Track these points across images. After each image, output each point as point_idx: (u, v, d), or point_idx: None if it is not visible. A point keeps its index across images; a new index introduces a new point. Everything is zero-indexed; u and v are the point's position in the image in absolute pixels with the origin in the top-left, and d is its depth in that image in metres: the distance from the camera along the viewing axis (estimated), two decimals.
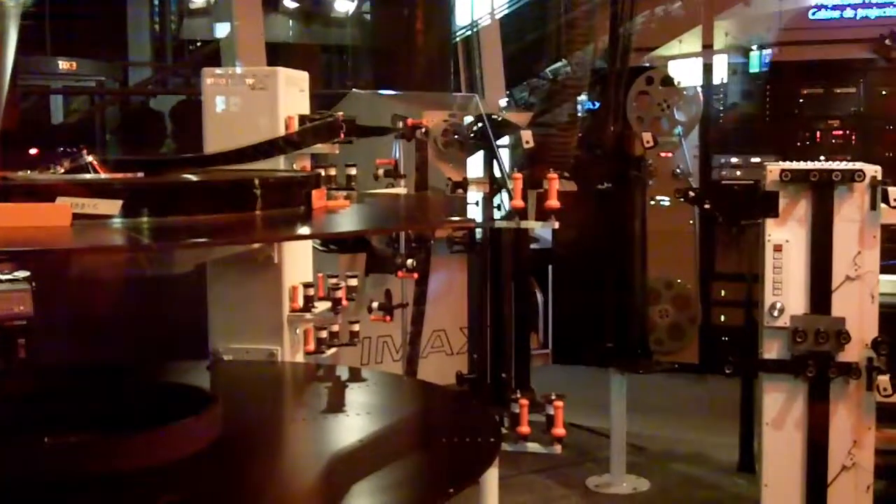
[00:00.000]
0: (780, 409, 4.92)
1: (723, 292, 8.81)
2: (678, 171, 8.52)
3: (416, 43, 7.72)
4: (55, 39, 15.11)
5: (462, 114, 6.25)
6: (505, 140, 6.91)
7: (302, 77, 4.13)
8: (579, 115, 8.43)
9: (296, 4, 10.09)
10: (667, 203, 8.55)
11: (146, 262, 2.98)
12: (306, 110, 4.09)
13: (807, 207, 4.84)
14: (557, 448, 4.31)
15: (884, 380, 4.72)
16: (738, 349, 6.71)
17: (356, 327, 4.31)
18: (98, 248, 2.22)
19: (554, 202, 4.20)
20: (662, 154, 8.00)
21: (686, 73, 8.70)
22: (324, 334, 4.13)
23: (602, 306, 6.36)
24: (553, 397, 4.27)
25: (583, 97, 8.66)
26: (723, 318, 8.79)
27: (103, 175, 2.57)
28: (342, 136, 3.95)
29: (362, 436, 2.91)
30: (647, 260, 6.37)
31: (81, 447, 2.62)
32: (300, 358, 4.07)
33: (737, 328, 8.47)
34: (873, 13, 8.40)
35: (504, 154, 6.77)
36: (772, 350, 4.90)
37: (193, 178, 2.91)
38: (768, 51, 8.98)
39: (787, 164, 4.91)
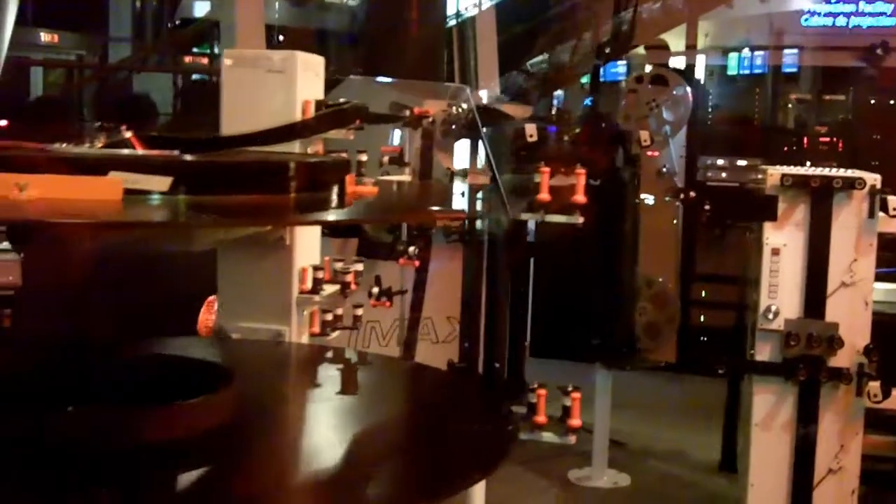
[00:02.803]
0: (770, 410, 4.98)
1: (703, 293, 8.89)
2: (664, 170, 8.53)
3: (408, 31, 7.71)
4: (36, 10, 14.96)
5: (461, 104, 6.26)
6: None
7: (318, 62, 4.13)
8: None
9: None
10: (651, 202, 8.61)
11: (172, 239, 2.99)
12: (321, 95, 4.10)
13: (805, 213, 4.90)
14: (572, 438, 4.36)
15: (874, 386, 4.80)
16: (726, 349, 6.80)
17: (360, 311, 4.33)
18: (161, 224, 2.24)
19: (581, 197, 4.24)
20: (649, 153, 8.03)
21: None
22: (329, 317, 4.14)
23: (588, 302, 6.40)
24: (570, 389, 4.32)
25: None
26: (702, 318, 8.87)
27: (153, 152, 2.58)
28: (358, 122, 3.96)
29: (380, 419, 2.92)
30: (637, 257, 6.43)
31: (104, 418, 2.59)
32: (305, 339, 4.08)
33: (715, 329, 8.58)
34: (865, 22, 8.50)
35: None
36: (764, 352, 4.97)
37: (238, 158, 2.92)
38: (752, 53, 9.06)
39: (788, 169, 4.97)
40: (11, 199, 2.18)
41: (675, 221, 8.81)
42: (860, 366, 4.86)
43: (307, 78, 4.01)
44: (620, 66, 10.01)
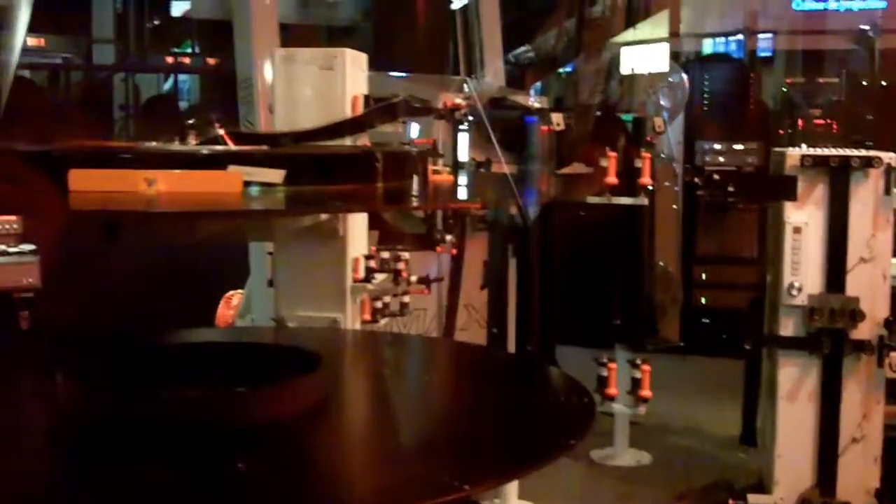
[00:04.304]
0: (795, 383, 5.16)
1: (703, 275, 9.06)
2: (663, 156, 8.70)
3: (415, 25, 7.85)
4: None
5: (476, 96, 6.40)
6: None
7: (362, 58, 4.27)
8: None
9: None
10: (650, 187, 8.75)
11: (257, 230, 3.12)
12: (366, 90, 4.24)
13: (824, 191, 5.07)
14: (642, 409, 4.53)
15: (895, 356, 5.00)
16: (731, 328, 6.99)
17: (406, 298, 4.47)
18: (303, 210, 2.39)
19: (647, 179, 4.41)
20: (647, 139, 8.19)
21: (642, 60, 8.87)
22: (379, 304, 4.28)
23: (605, 286, 6.56)
24: (638, 362, 4.49)
25: None
26: (703, 300, 9.04)
27: (262, 147, 2.72)
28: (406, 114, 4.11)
29: (461, 398, 3.06)
30: (655, 240, 6.60)
31: (199, 401, 2.67)
32: (358, 326, 4.22)
33: (717, 309, 8.78)
34: (856, 5, 8.70)
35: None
36: (788, 327, 5.14)
37: (338, 151, 3.06)
38: (745, 38, 9.25)
39: (807, 150, 5.14)
40: (141, 193, 2.33)
41: (674, 206, 9.00)
42: (881, 338, 5.05)
43: (354, 74, 4.14)
44: None
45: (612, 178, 4.41)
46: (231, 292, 6.98)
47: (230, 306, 7.02)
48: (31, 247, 7.27)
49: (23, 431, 2.50)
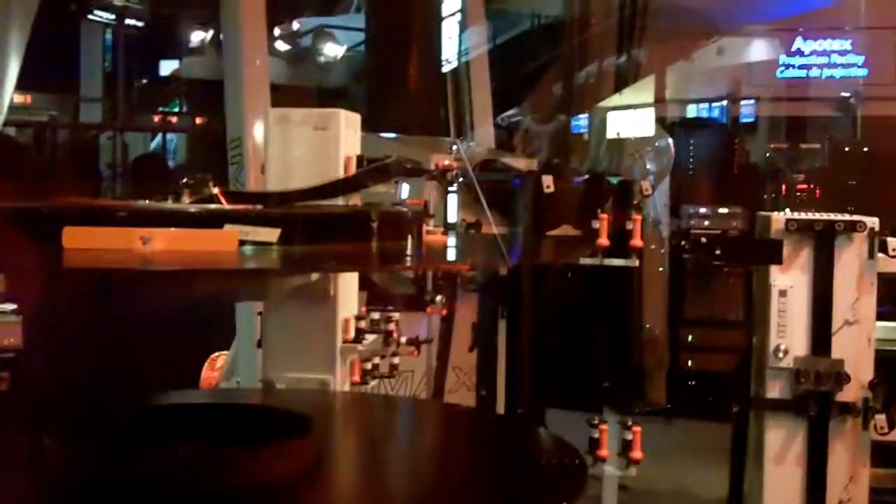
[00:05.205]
0: (782, 446, 5.18)
1: (689, 338, 9.10)
2: (649, 219, 8.75)
3: (406, 87, 7.91)
4: None
5: (467, 156, 6.43)
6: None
7: (356, 118, 4.29)
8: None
9: (287, 47, 10.34)
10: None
11: (250, 289, 3.14)
12: (359, 150, 4.25)
13: (809, 255, 5.12)
14: (633, 471, 4.54)
15: (880, 418, 5.02)
16: (717, 391, 7.00)
17: (396, 360, 4.47)
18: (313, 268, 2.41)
19: (638, 241, 4.46)
20: (634, 202, 8.24)
21: (628, 124, 8.96)
22: (368, 366, 4.28)
23: (593, 348, 6.58)
24: (629, 423, 4.51)
25: None
26: (689, 362, 9.07)
27: (257, 207, 2.75)
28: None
29: (451, 461, 3.06)
30: (643, 302, 6.63)
31: (189, 461, 2.66)
32: (347, 388, 4.21)
33: (703, 372, 8.80)
34: (839, 73, 8.83)
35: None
36: (775, 390, 5.17)
37: (333, 211, 3.09)
38: (728, 104, 9.36)
39: (792, 214, 5.20)
40: (136, 252, 2.34)
41: (661, 269, 9.05)
42: (865, 400, 5.08)
43: (348, 134, 4.17)
44: (582, 120, 10.29)
45: (603, 240, 4.46)
46: (215, 354, 6.96)
47: (214, 368, 6.99)
48: (13, 306, 7.23)
49: (8, 495, 2.48)
